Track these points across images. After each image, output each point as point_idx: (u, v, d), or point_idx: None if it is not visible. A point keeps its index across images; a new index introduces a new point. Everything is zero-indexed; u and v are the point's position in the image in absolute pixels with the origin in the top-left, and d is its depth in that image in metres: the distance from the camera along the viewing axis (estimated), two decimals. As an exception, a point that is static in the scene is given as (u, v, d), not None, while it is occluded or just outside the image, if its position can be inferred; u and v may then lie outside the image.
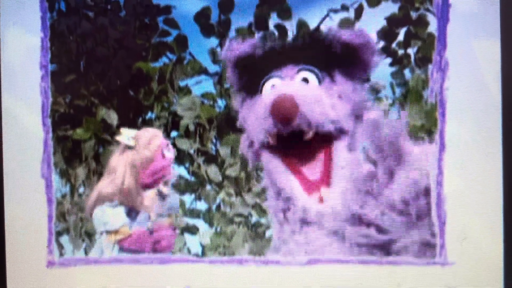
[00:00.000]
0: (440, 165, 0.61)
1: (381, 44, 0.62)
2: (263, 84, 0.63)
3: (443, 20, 0.61)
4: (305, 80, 0.62)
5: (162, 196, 0.65)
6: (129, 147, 0.65)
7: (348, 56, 0.62)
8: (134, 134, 0.65)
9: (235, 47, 0.63)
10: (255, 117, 0.62)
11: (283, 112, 0.60)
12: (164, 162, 0.65)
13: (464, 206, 0.60)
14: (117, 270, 0.65)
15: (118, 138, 0.65)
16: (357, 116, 0.62)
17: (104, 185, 0.65)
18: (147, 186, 0.66)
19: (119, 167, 0.65)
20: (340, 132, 0.62)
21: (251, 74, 0.64)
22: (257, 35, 0.63)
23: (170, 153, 0.65)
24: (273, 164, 0.63)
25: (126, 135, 0.65)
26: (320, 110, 0.60)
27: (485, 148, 0.60)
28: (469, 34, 0.60)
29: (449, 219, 0.61)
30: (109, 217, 0.65)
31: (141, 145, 0.65)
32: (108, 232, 0.65)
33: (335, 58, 0.62)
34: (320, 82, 0.62)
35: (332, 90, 0.62)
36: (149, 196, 0.66)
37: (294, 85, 0.61)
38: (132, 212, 0.65)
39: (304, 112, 0.60)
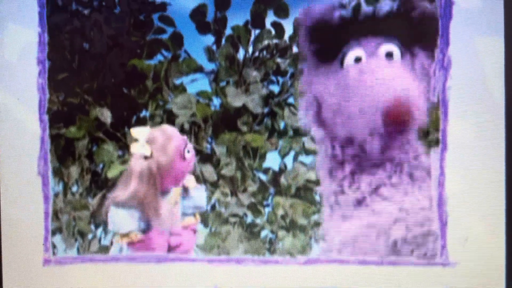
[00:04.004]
0: (442, 165, 0.60)
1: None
2: (343, 55, 0.61)
3: (446, 17, 0.60)
4: (390, 54, 0.60)
5: (186, 191, 0.64)
6: (145, 157, 0.64)
7: (425, 27, 0.60)
8: (146, 135, 0.63)
9: (312, 10, 0.61)
10: (341, 93, 0.61)
11: (400, 122, 0.59)
12: (184, 165, 0.64)
13: (466, 207, 0.60)
14: (113, 268, 0.65)
15: (132, 150, 0.64)
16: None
17: (118, 194, 0.64)
18: (167, 191, 0.64)
19: (133, 175, 0.64)
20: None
21: (327, 41, 0.62)
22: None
23: (191, 154, 0.64)
24: None
25: (139, 140, 0.63)
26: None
27: (487, 147, 0.59)
28: (472, 31, 0.59)
29: (451, 219, 0.60)
30: (120, 219, 0.64)
31: (157, 150, 0.63)
32: (116, 234, 0.65)
33: (413, 30, 0.61)
34: (402, 55, 0.60)
35: (413, 66, 0.60)
36: (168, 203, 0.64)
37: (381, 63, 0.60)
38: (146, 219, 0.64)
39: (414, 114, 0.60)
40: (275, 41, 0.63)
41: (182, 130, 0.65)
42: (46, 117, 0.65)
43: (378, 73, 0.60)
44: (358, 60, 0.61)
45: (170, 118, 0.65)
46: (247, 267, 0.64)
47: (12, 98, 0.65)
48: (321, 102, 0.62)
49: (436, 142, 0.61)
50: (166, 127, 0.64)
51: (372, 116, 0.60)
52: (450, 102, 0.60)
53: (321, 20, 0.61)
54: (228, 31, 0.63)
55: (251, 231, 0.64)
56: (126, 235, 0.65)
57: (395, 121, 0.59)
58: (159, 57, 0.65)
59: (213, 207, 0.65)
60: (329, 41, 0.62)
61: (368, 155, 0.61)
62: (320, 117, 0.62)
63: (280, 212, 0.64)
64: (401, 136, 0.60)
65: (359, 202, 0.62)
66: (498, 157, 0.59)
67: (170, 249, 0.65)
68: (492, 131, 0.59)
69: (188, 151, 0.64)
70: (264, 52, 0.63)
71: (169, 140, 0.64)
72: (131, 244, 0.65)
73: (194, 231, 0.65)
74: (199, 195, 0.64)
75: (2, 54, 0.65)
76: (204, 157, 0.65)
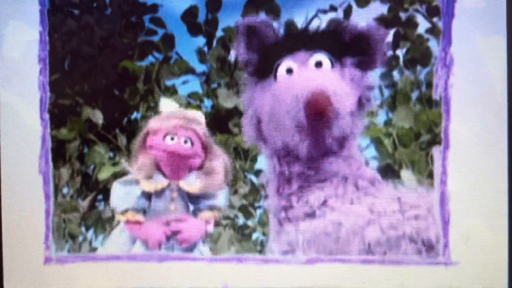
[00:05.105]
0: (444, 163, 0.60)
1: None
2: (276, 68, 0.61)
3: (448, 15, 0.60)
4: (319, 64, 0.61)
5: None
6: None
7: (357, 46, 0.61)
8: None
9: (248, 21, 0.62)
10: (274, 104, 0.61)
11: (319, 110, 0.59)
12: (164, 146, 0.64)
13: (468, 205, 0.60)
14: (114, 266, 0.65)
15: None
16: (361, 105, 0.61)
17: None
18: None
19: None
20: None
21: (262, 57, 0.62)
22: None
23: (175, 141, 0.64)
24: None
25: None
26: (347, 103, 0.60)
27: (489, 146, 0.59)
28: (475, 30, 0.59)
29: (453, 218, 0.60)
30: (118, 195, 0.65)
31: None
32: (116, 211, 0.65)
33: (345, 46, 0.61)
34: (332, 65, 0.61)
35: (344, 73, 0.61)
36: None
37: (311, 71, 0.60)
38: (147, 196, 0.64)
39: (335, 106, 0.59)
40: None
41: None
42: (47, 116, 0.65)
43: (308, 78, 0.60)
44: (289, 71, 0.61)
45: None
46: (248, 266, 0.63)
47: (13, 96, 0.65)
48: (260, 117, 0.62)
49: (438, 141, 0.61)
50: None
51: (297, 113, 0.59)
52: (452, 101, 0.60)
53: (257, 37, 0.62)
54: (219, 33, 0.64)
55: (243, 233, 0.64)
56: (123, 213, 0.64)
57: (315, 111, 0.59)
58: (150, 58, 0.64)
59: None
60: (264, 57, 0.62)
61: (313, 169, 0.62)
62: (261, 132, 0.63)
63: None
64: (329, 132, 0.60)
65: (309, 215, 0.62)
66: (500, 155, 0.59)
67: (168, 237, 0.65)
68: (494, 130, 0.59)
69: (172, 138, 0.64)
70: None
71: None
72: (128, 223, 0.65)
73: (208, 223, 0.65)
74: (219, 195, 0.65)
75: (3, 52, 0.65)
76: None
